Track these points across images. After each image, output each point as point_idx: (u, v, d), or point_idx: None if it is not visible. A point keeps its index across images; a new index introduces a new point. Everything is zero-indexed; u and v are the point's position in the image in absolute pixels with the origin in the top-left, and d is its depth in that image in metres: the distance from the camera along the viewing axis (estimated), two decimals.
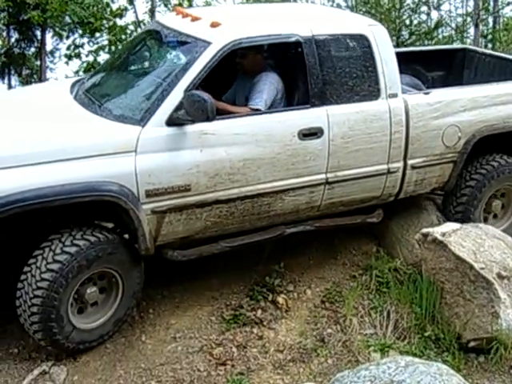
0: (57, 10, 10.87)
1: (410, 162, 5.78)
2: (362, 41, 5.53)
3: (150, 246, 4.99)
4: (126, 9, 12.05)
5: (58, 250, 4.74)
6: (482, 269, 5.25)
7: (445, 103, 5.86)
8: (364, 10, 11.88)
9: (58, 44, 12.75)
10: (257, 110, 5.37)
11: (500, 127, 6.09)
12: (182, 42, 5.33)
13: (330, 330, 5.47)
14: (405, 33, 11.93)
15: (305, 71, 5.32)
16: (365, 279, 5.93)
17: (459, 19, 12.76)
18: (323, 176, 5.44)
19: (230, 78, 5.83)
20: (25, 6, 11.22)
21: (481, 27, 12.45)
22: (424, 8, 12.45)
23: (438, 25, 12.22)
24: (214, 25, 5.23)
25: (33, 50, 12.80)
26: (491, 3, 12.73)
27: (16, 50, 12.57)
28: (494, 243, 5.52)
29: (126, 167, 4.79)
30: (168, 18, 5.86)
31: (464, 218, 6.13)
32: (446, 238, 5.47)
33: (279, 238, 5.59)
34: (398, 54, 5.79)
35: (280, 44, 5.44)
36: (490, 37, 12.67)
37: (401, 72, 5.79)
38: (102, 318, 5.07)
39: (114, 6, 12.07)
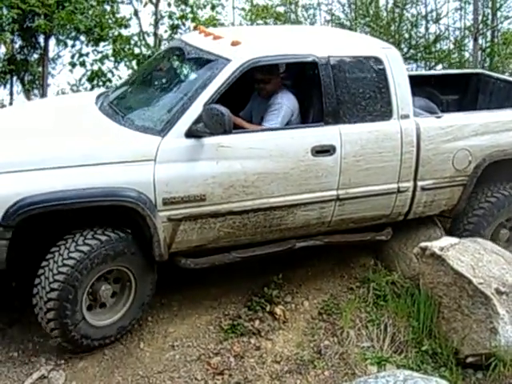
0: (64, 19, 11.15)
1: (419, 183, 5.93)
2: (376, 63, 5.73)
3: (164, 252, 5.21)
4: (130, 19, 12.29)
5: (80, 242, 4.98)
6: (481, 284, 5.29)
7: (456, 127, 6.00)
8: (363, 22, 12.07)
9: (60, 51, 13.15)
10: None
11: (511, 152, 6.20)
12: (204, 59, 5.57)
13: (327, 342, 5.54)
14: (403, 46, 12.05)
15: (320, 90, 5.53)
16: (362, 292, 6.01)
17: (458, 32, 12.85)
18: (334, 192, 5.62)
19: (247, 96, 6.05)
20: (32, 15, 11.56)
21: (480, 41, 12.62)
22: (423, 22, 12.59)
23: (438, 39, 12.34)
24: (235, 43, 5.48)
25: (35, 56, 13.10)
26: (490, 17, 12.88)
27: (19, 57, 12.83)
28: (493, 258, 5.57)
29: (145, 175, 5.01)
30: (191, 37, 6.12)
31: None
32: (444, 252, 5.53)
33: (289, 252, 5.73)
34: (414, 77, 5.94)
35: (297, 63, 5.68)
36: (488, 50, 12.80)
37: (416, 95, 5.94)
38: (108, 320, 5.25)
39: (118, 16, 12.36)
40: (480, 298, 5.27)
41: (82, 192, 4.85)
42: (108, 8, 12.19)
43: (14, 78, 12.95)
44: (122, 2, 12.39)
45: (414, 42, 12.37)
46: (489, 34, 13.28)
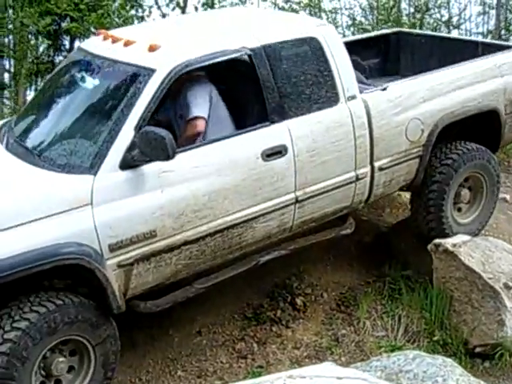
0: (94, 22, 10.64)
1: (376, 164, 5.45)
2: (313, 43, 5.14)
3: (121, 303, 4.51)
4: None
5: (26, 309, 4.24)
6: (490, 279, 5.47)
7: (404, 97, 5.56)
8: (385, 27, 11.46)
9: None
10: (197, 117, 4.93)
11: (460, 113, 5.82)
12: (121, 71, 4.77)
13: (344, 331, 5.70)
14: None
15: (259, 85, 4.90)
16: (378, 285, 6.13)
17: (480, 37, 12.34)
18: (292, 195, 5.06)
19: None
20: (59, 17, 11.32)
21: None
22: (444, 28, 12.09)
23: None
24: (153, 48, 4.70)
25: (60, 58, 12.44)
26: None
27: (44, 58, 12.37)
28: (503, 256, 5.74)
29: (84, 223, 4.27)
30: (94, 45, 5.21)
31: (436, 213, 5.87)
32: (456, 248, 5.65)
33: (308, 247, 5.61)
34: None
35: (228, 61, 4.95)
36: None
37: None
38: None
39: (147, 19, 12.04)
40: (489, 292, 5.47)
41: (12, 261, 4.02)
42: (135, 12, 11.83)
43: (39, 80, 12.39)
44: (151, 7, 11.91)
45: None
46: None
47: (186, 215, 4.59)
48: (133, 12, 11.79)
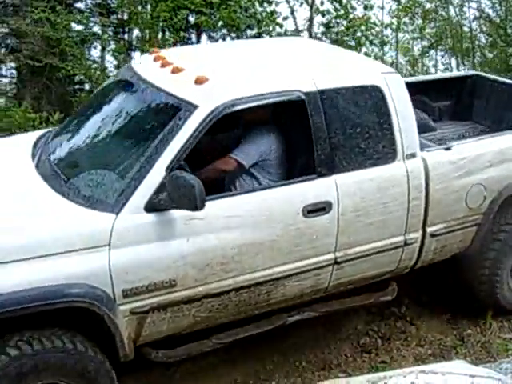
0: (224, 17, 10.74)
1: (429, 229, 4.96)
2: (375, 93, 4.66)
3: (129, 351, 4.16)
4: (286, 18, 11.66)
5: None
6: None
7: (469, 159, 5.04)
8: None
9: None
10: (235, 160, 4.60)
11: None
12: (163, 101, 4.42)
13: (469, 331, 5.63)
14: None
15: (309, 134, 4.45)
16: None
17: None
18: (331, 256, 4.62)
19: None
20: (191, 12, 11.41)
21: None
22: None
23: None
24: (200, 81, 4.33)
25: None
26: None
27: None
28: None
29: (98, 265, 3.94)
30: (144, 66, 4.88)
31: (490, 281, 5.43)
32: None
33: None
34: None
35: (279, 103, 4.54)
36: None
37: None
38: None
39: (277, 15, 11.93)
40: None
41: (16, 296, 3.71)
42: (267, 7, 11.68)
43: None
44: (281, 2, 11.78)
45: None
46: None
47: (210, 267, 4.23)
48: (260, 8, 11.57)
